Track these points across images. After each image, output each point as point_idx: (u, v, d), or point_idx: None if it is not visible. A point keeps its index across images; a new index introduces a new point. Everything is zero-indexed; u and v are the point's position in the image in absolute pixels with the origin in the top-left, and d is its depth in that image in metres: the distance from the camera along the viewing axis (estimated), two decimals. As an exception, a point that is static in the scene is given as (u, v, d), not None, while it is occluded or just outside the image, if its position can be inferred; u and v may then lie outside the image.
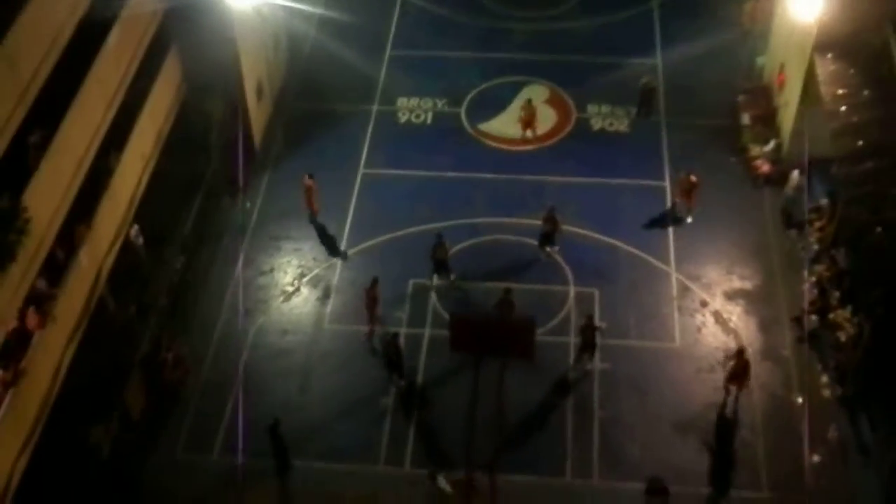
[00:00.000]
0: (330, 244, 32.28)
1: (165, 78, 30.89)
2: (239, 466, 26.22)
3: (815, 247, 31.16)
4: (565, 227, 31.79)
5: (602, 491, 26.00)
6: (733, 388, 27.46)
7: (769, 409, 27.48)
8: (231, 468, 26.31)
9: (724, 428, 27.06)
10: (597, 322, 28.30)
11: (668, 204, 32.89)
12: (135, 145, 28.76)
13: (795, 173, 32.39)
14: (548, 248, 31.57)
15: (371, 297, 29.33)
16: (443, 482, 25.33)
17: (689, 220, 32.41)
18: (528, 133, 35.47)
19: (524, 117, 35.50)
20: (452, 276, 30.68)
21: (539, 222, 31.74)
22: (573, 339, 29.17)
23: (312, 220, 32.98)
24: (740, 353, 27.25)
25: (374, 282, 29.33)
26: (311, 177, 32.45)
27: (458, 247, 31.74)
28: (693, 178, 31.96)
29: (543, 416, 27.64)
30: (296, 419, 27.21)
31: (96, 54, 26.33)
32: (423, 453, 26.91)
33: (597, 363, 28.53)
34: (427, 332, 29.69)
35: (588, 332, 27.97)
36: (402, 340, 28.35)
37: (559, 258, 31.40)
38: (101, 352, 26.93)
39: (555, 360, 28.74)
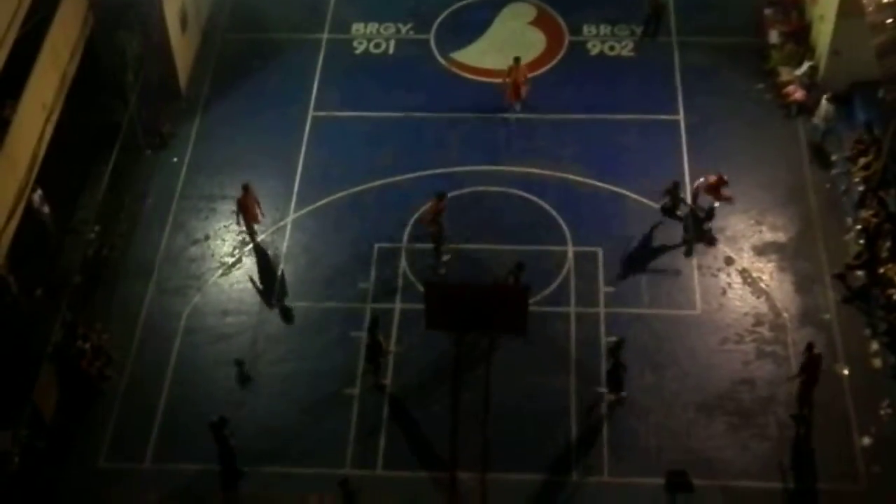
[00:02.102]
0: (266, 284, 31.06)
1: (68, 8, 30.72)
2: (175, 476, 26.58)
3: (860, 188, 31.49)
4: (562, 175, 32.05)
5: (614, 488, 26.31)
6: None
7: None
8: (166, 478, 26.55)
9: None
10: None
11: (687, 202, 31.38)
12: (34, 92, 28.62)
13: (824, 100, 32.67)
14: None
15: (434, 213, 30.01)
16: None
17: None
18: (518, 105, 34.46)
19: (511, 82, 34.13)
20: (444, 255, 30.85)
21: (530, 170, 32.02)
22: (573, 309, 29.49)
23: (252, 237, 31.69)
24: (809, 348, 26.95)
25: (441, 196, 30.03)
26: (246, 189, 30.60)
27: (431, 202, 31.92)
28: (717, 177, 30.75)
29: (541, 402, 27.89)
30: (243, 416, 27.39)
31: (-19, -18, 26.26)
32: (398, 453, 27.17)
33: (602, 335, 28.83)
34: (397, 306, 29.91)
35: (610, 360, 27.40)
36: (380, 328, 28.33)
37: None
38: (4, 343, 26.99)
39: (552, 334, 29.04)
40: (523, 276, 28.65)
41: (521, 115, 34.11)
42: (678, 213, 30.92)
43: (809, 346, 26.92)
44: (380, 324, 27.99)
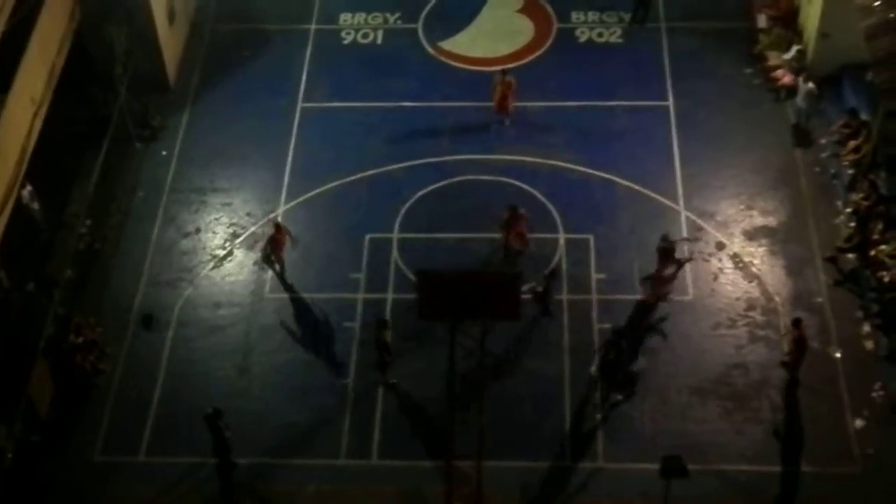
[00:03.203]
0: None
1: (55, 1, 30.66)
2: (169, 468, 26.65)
3: (851, 171, 31.58)
4: (553, 163, 32.24)
5: (609, 474, 26.41)
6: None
7: (803, 366, 27.75)
8: (161, 471, 26.61)
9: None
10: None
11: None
12: (22, 86, 28.59)
13: (801, 80, 32.77)
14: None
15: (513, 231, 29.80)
16: None
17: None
18: (507, 120, 33.80)
19: (500, 93, 33.36)
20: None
21: (521, 158, 32.24)
22: (565, 296, 29.57)
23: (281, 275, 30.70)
24: (796, 323, 27.24)
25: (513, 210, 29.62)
26: (279, 227, 29.99)
27: (422, 192, 32.04)
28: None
29: (535, 388, 27.99)
30: (237, 408, 27.39)
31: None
32: (393, 442, 27.27)
33: (595, 322, 28.90)
34: (389, 296, 29.95)
35: (612, 352, 27.28)
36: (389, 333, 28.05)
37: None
38: (-3, 338, 27.06)
39: (544, 321, 29.13)
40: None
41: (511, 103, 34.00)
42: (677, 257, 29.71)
43: (796, 322, 27.16)
44: (388, 325, 27.85)
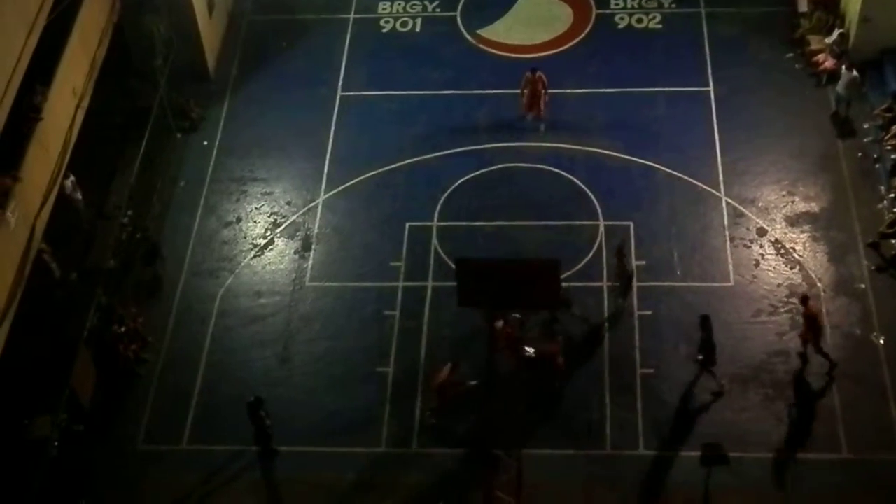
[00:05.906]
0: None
1: (95, -7, 30.94)
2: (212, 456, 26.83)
3: (893, 156, 31.32)
4: (592, 150, 32.14)
5: (649, 461, 26.35)
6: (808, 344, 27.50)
7: (845, 354, 27.72)
8: (203, 459, 26.78)
9: (801, 385, 27.41)
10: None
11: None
12: (64, 78, 28.79)
13: (844, 68, 32.49)
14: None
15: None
16: None
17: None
18: (532, 116, 33.26)
19: (528, 94, 32.93)
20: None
21: (559, 145, 32.06)
22: (605, 283, 29.49)
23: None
24: (804, 300, 27.12)
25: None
26: (507, 322, 27.75)
27: (461, 179, 32.05)
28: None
29: (574, 376, 27.95)
30: (278, 396, 27.53)
31: (10, -31, 26.35)
32: (433, 430, 27.28)
33: (635, 309, 28.81)
34: (429, 284, 29.99)
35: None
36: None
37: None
38: (41, 328, 27.18)
39: (585, 309, 29.04)
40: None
41: (550, 91, 33.74)
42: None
43: (804, 300, 26.95)
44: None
